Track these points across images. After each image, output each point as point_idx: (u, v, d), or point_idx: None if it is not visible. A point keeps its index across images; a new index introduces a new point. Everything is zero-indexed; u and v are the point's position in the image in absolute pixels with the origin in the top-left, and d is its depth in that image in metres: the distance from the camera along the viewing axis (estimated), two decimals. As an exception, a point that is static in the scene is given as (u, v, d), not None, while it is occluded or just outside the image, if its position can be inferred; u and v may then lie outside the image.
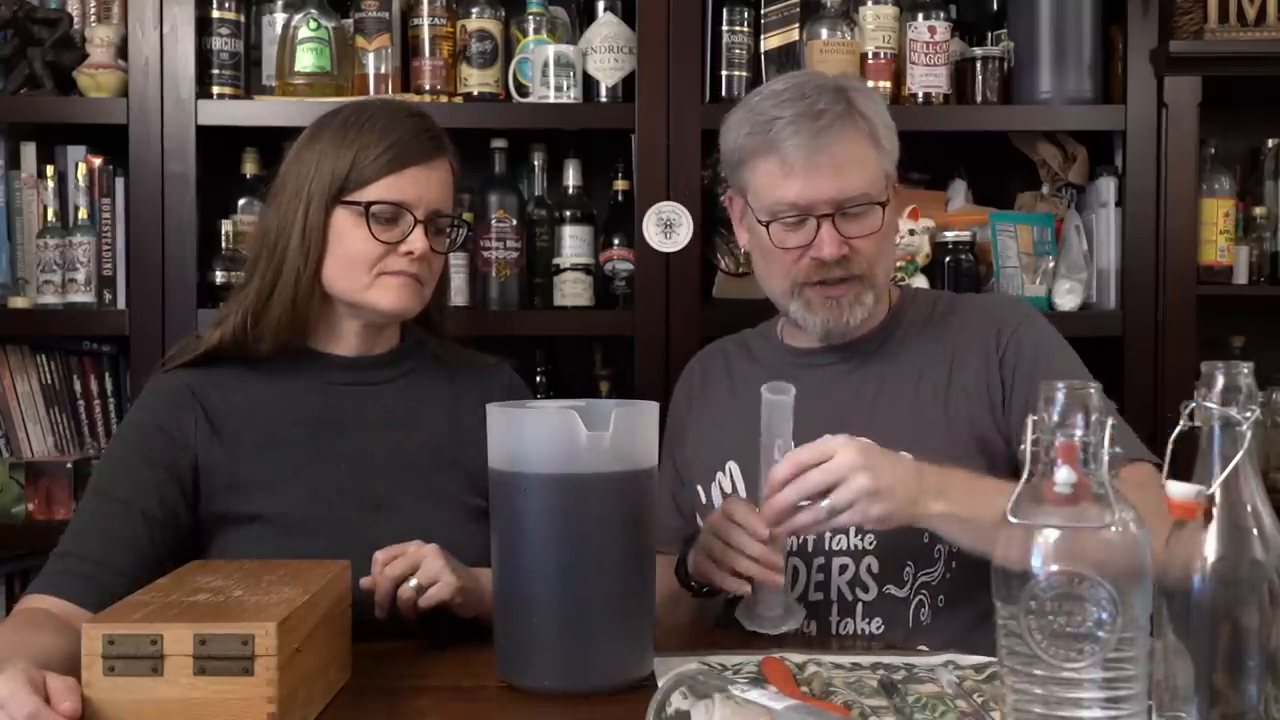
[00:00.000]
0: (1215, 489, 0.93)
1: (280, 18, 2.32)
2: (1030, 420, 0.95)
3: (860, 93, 1.66)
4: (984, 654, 1.30)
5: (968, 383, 1.63)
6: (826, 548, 1.60)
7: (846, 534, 1.59)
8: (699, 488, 1.72)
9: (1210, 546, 0.93)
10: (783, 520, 1.41)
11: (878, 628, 1.58)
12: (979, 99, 2.36)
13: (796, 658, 1.30)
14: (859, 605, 1.59)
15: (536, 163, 2.43)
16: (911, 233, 2.27)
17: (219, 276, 2.29)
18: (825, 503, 1.38)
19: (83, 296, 2.28)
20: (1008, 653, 0.94)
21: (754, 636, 1.51)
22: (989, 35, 2.46)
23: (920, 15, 2.34)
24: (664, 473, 1.69)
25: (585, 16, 2.45)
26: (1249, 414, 0.92)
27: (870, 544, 1.59)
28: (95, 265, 2.29)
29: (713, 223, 2.32)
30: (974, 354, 1.65)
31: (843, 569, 1.60)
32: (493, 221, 2.31)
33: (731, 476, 1.68)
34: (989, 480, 1.44)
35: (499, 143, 2.34)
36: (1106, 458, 0.93)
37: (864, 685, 1.22)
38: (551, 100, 2.27)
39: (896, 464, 1.41)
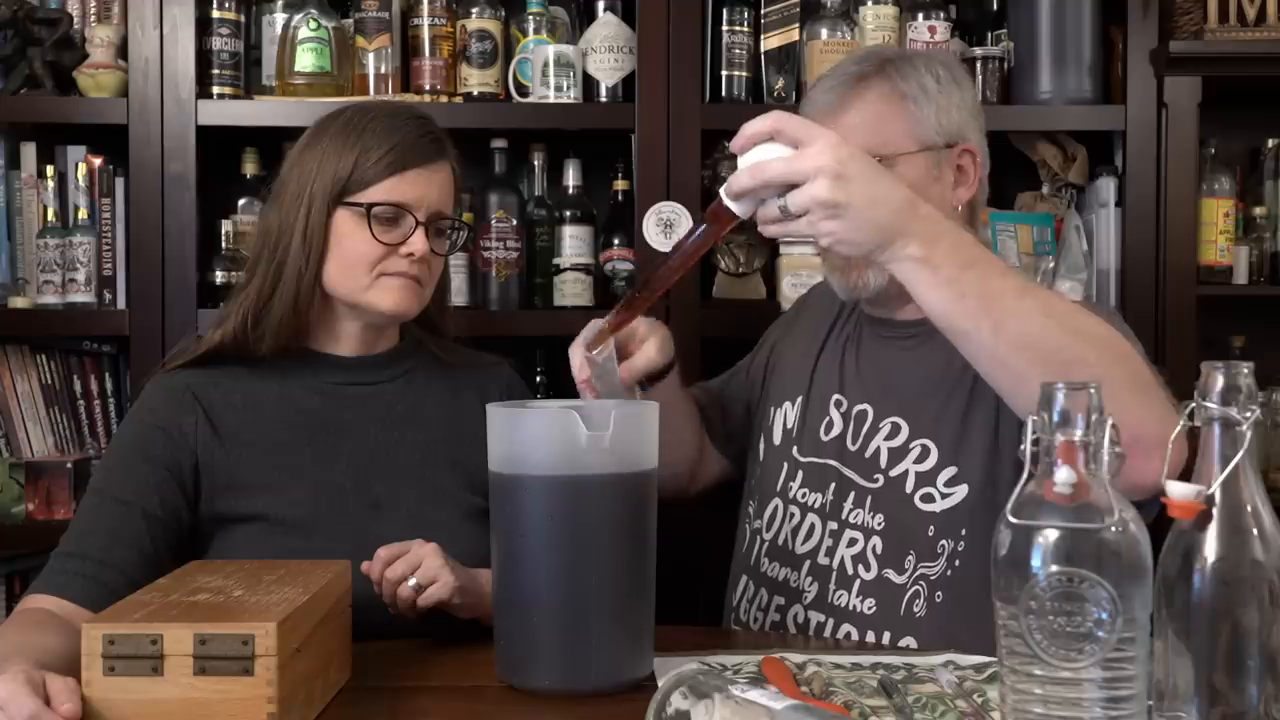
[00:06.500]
0: (1215, 489, 0.93)
1: (280, 18, 2.32)
2: (1030, 420, 0.95)
3: (898, 60, 1.63)
4: (973, 655, 1.31)
5: None
6: (843, 517, 1.60)
7: (862, 508, 1.59)
8: (772, 408, 1.76)
9: (1210, 546, 0.93)
10: (743, 194, 1.23)
11: (870, 608, 1.55)
12: (979, 99, 2.35)
13: (796, 658, 1.30)
14: (857, 581, 1.56)
15: (536, 163, 2.43)
16: (911, 233, 2.27)
17: (219, 276, 2.29)
18: (779, 200, 1.21)
19: (83, 296, 2.28)
20: (1008, 653, 0.94)
21: (756, 636, 1.51)
22: (989, 35, 2.46)
23: (920, 15, 2.34)
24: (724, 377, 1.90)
25: (585, 16, 2.45)
26: (1249, 414, 0.92)
27: (880, 524, 1.57)
28: (95, 265, 2.29)
29: (713, 223, 2.32)
30: None
31: (852, 542, 1.58)
32: (493, 222, 2.31)
33: (785, 413, 1.73)
34: (996, 258, 1.30)
35: (499, 143, 2.34)
36: (1106, 458, 0.93)
37: (864, 685, 1.22)
38: (551, 100, 2.28)
39: (880, 184, 1.22)
